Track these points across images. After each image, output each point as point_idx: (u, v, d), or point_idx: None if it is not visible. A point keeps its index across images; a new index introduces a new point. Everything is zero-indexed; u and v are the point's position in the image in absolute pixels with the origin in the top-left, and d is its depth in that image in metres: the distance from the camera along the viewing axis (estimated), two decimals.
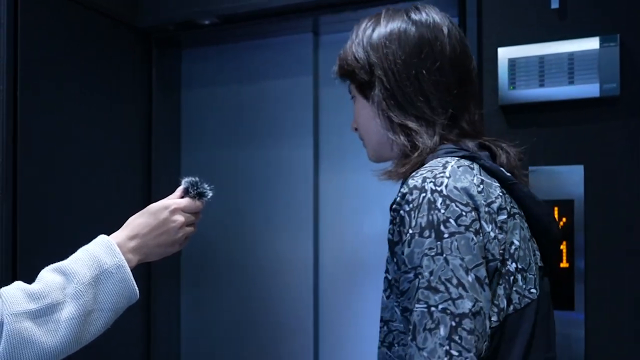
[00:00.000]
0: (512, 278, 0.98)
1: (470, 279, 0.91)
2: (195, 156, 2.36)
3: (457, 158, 1.04)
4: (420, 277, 0.92)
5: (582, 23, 1.59)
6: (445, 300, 0.90)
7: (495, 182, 1.03)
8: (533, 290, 1.02)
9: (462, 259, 0.92)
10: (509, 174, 1.08)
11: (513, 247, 1.00)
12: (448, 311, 0.89)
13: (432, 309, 0.90)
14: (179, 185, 1.43)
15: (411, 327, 0.92)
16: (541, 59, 1.59)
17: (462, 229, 0.93)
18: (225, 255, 2.29)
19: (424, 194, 0.96)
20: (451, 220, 0.93)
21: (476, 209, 0.96)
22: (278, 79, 2.22)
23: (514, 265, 0.98)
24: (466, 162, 1.03)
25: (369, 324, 2.08)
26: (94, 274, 1.19)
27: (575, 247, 1.58)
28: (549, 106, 1.61)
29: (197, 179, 1.36)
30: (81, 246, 1.92)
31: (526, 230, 1.06)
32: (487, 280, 0.93)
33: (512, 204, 1.04)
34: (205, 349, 2.32)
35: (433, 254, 0.92)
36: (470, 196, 0.96)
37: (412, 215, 0.95)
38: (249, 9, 2.01)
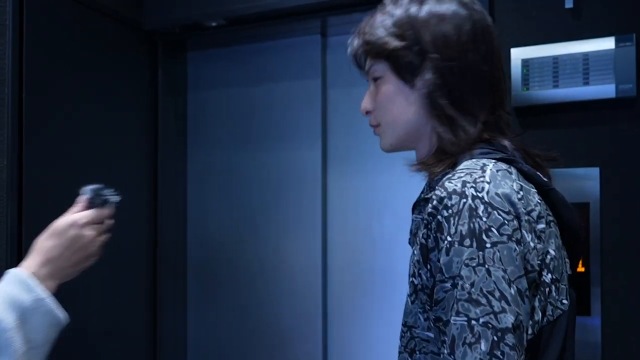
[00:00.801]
0: (547, 289, 0.95)
1: (512, 291, 0.87)
2: (201, 159, 2.34)
3: (494, 161, 0.98)
4: (458, 287, 0.88)
5: (597, 23, 1.56)
6: (487, 314, 0.86)
7: (532, 187, 0.98)
8: (565, 302, 0.98)
9: (505, 271, 0.87)
10: (545, 179, 1.03)
11: (549, 256, 0.96)
12: (490, 325, 0.85)
13: (473, 322, 0.86)
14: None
15: (448, 339, 0.88)
16: (555, 60, 1.57)
17: (504, 238, 0.89)
18: (232, 258, 2.26)
19: (464, 200, 0.90)
20: (493, 229, 0.89)
21: (517, 217, 0.91)
22: (286, 81, 2.20)
23: (549, 276, 0.95)
24: (504, 166, 0.97)
25: (379, 328, 2.05)
26: (16, 316, 1.12)
27: (591, 251, 1.55)
28: (563, 107, 1.59)
29: (98, 186, 1.28)
30: None
31: (559, 239, 1.02)
32: (527, 293, 0.90)
33: (547, 211, 1.00)
34: (212, 352, 2.30)
35: (474, 264, 0.87)
36: (512, 203, 0.91)
37: (452, 222, 0.90)
38: (256, 11, 1.99)
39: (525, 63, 1.59)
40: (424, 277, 0.96)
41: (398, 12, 1.07)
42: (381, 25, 1.07)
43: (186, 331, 2.33)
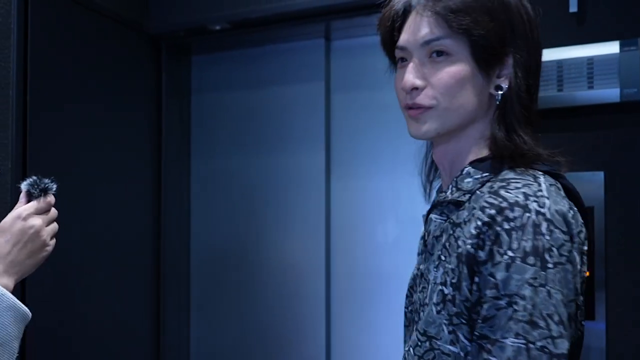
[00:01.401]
0: (579, 312, 0.92)
1: (567, 315, 0.84)
2: (205, 162, 2.34)
3: (541, 173, 0.91)
4: (518, 307, 0.82)
5: (601, 27, 1.56)
6: (545, 338, 0.81)
7: (574, 206, 0.92)
8: (583, 323, 0.95)
9: (562, 293, 0.83)
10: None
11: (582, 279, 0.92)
12: (546, 350, 0.81)
13: (531, 345, 0.81)
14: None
15: None
16: (560, 64, 1.57)
17: (563, 259, 0.84)
18: (236, 262, 2.26)
19: (528, 214, 0.84)
20: (554, 248, 0.83)
21: (571, 237, 0.86)
22: (289, 85, 2.20)
23: (581, 298, 0.92)
24: (552, 180, 0.91)
25: (382, 332, 2.05)
26: None
27: (596, 255, 1.54)
28: (568, 111, 1.59)
29: (34, 177, 1.27)
30: (91, 253, 1.91)
31: None
32: (573, 317, 0.87)
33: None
34: (215, 355, 2.29)
35: (537, 284, 0.82)
36: (568, 223, 0.86)
37: (514, 236, 0.83)
38: (260, 14, 1.99)
39: None
40: (465, 289, 0.88)
41: None
42: None
43: (189, 335, 2.33)
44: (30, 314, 1.18)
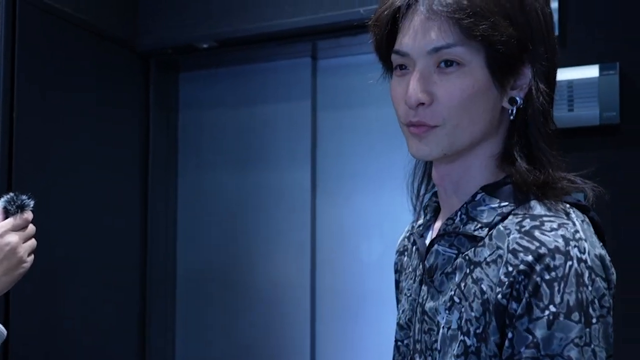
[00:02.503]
0: None
1: None
2: (192, 179, 2.34)
3: (568, 205, 0.81)
4: None
5: (581, 51, 1.58)
6: None
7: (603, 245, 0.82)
8: None
9: (606, 350, 0.75)
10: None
11: None
12: None
13: None
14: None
15: None
16: None
17: (604, 311, 0.75)
18: (221, 279, 2.26)
19: (570, 263, 0.73)
20: (596, 300, 0.74)
21: (609, 284, 0.78)
22: (276, 103, 2.21)
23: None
24: (581, 215, 0.81)
25: (366, 350, 2.05)
26: None
27: None
28: None
29: (11, 194, 1.27)
30: (75, 269, 1.91)
31: None
32: None
33: None
34: None
35: (582, 344, 0.73)
36: (606, 268, 0.77)
37: (556, 289, 0.73)
38: (247, 33, 2.01)
39: None
40: (492, 343, 0.77)
41: None
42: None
43: (174, 351, 2.32)
44: (5, 333, 1.18)
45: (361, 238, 2.09)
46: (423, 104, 0.80)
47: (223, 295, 2.25)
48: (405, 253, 1.02)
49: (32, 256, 1.27)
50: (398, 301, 1.07)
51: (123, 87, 2.13)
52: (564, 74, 1.56)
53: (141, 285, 2.18)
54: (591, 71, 1.54)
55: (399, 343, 0.99)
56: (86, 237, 1.95)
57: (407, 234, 1.06)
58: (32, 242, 1.27)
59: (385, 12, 0.83)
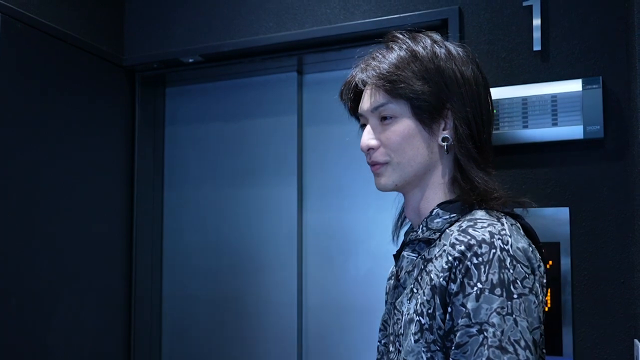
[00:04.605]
0: (542, 339, 0.99)
1: (532, 341, 0.92)
2: (178, 193, 2.32)
3: (503, 214, 1.03)
4: (488, 334, 0.91)
5: (564, 65, 1.59)
6: None
7: (532, 244, 1.02)
8: (544, 350, 1.03)
9: (527, 321, 0.92)
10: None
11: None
12: None
13: None
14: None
15: None
16: (525, 101, 1.59)
17: (526, 290, 0.94)
18: (207, 294, 2.24)
19: (494, 250, 0.94)
20: (518, 281, 0.93)
21: (533, 271, 0.97)
22: (262, 118, 2.21)
23: (542, 327, 0.99)
24: (512, 220, 1.03)
25: None
26: None
27: (562, 291, 1.55)
28: (533, 147, 1.61)
29: None
30: (59, 288, 1.88)
31: None
32: (537, 344, 0.95)
33: None
34: None
35: (504, 313, 0.91)
36: (529, 258, 0.97)
37: (482, 270, 0.93)
38: (233, 48, 2.01)
39: (495, 104, 1.61)
40: (438, 318, 0.97)
41: (422, 52, 1.08)
42: (404, 63, 1.07)
43: None
44: None
45: (348, 252, 2.08)
46: (373, 148, 1.10)
47: (209, 310, 2.23)
48: (392, 277, 1.21)
49: None
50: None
51: (109, 101, 2.12)
52: (548, 89, 1.57)
53: (126, 301, 2.16)
54: (574, 85, 1.55)
55: (378, 344, 1.19)
56: (70, 252, 1.92)
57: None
58: None
59: (346, 87, 1.19)
